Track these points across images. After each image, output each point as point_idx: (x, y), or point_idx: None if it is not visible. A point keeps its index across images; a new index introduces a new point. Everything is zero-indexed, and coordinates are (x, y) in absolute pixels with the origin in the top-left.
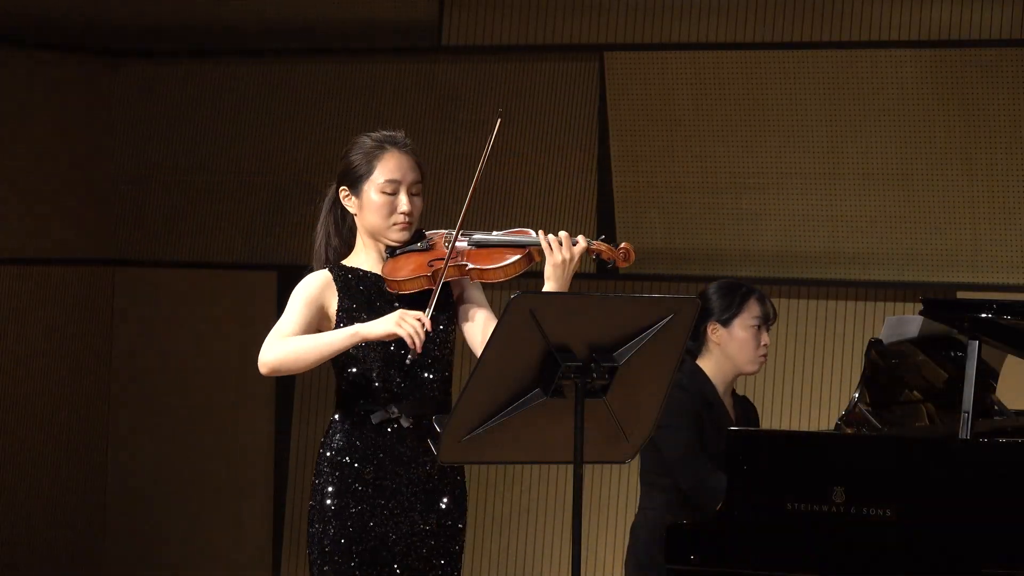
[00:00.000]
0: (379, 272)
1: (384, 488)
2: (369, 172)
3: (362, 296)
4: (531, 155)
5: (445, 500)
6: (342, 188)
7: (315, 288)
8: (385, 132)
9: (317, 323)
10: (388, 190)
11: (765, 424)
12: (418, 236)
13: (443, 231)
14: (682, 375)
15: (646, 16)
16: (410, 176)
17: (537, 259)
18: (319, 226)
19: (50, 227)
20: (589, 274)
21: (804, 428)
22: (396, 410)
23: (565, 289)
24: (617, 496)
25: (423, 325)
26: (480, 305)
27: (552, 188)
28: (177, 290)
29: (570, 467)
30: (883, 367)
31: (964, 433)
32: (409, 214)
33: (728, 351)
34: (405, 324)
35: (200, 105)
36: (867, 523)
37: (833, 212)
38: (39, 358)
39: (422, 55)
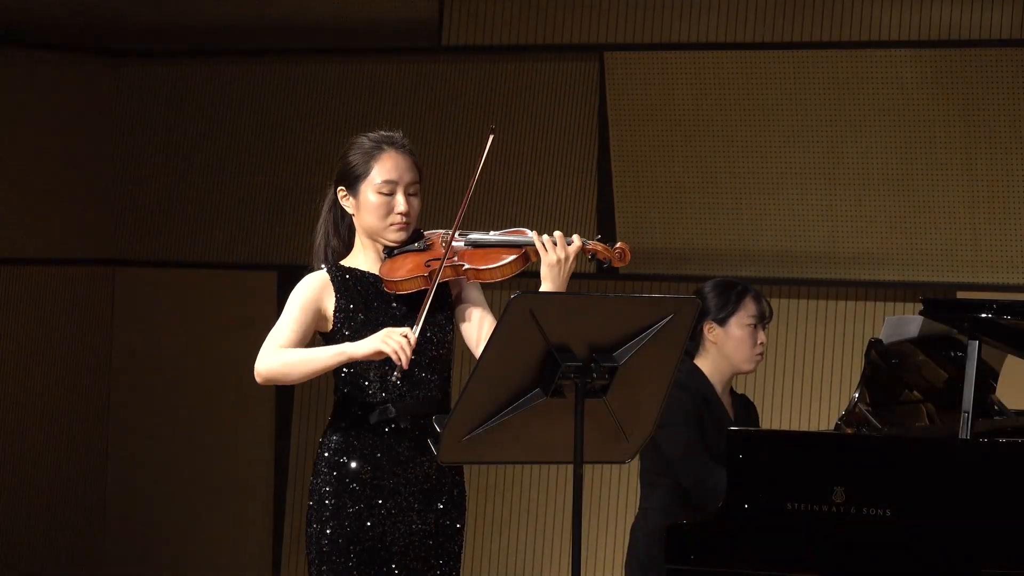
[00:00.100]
0: (377, 272)
1: (382, 488)
2: (366, 172)
3: (359, 296)
4: (531, 155)
5: (443, 500)
6: (340, 188)
7: (311, 290)
8: (383, 132)
9: (314, 325)
10: (385, 190)
11: (765, 424)
12: (416, 236)
13: (441, 231)
14: (681, 374)
15: (646, 16)
16: (407, 176)
17: (533, 259)
18: (319, 226)
19: (50, 227)
20: (588, 274)
21: (804, 428)
22: (393, 410)
23: (562, 289)
24: (617, 496)
25: (409, 341)
26: (478, 305)
27: (552, 188)
28: (177, 290)
29: (570, 467)
30: (883, 367)
31: (964, 433)
32: (406, 214)
33: (724, 350)
34: (391, 341)
35: (200, 105)
36: (867, 523)
37: (833, 212)
38: (39, 358)
39: (422, 55)
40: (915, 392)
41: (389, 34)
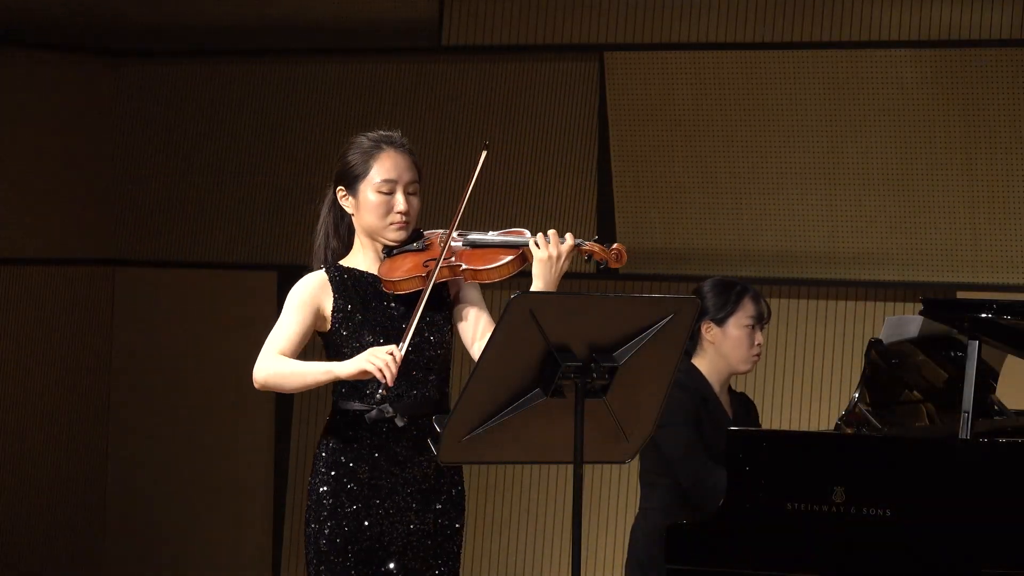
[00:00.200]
0: (376, 272)
1: (379, 488)
2: (366, 172)
3: (358, 296)
4: (531, 155)
5: (442, 500)
6: (339, 188)
7: (309, 290)
8: (382, 132)
9: (313, 325)
10: (384, 190)
11: (765, 424)
12: (416, 236)
13: (440, 231)
14: (680, 374)
15: (646, 16)
16: (407, 176)
17: (530, 259)
18: (318, 226)
19: (50, 227)
20: (588, 274)
21: (804, 428)
22: (391, 409)
23: (552, 288)
24: (617, 496)
25: (395, 358)
26: (475, 305)
27: (552, 188)
28: (177, 290)
29: (570, 467)
30: (883, 367)
31: (964, 433)
32: (406, 214)
33: (722, 350)
34: (376, 360)
35: (200, 105)
36: (867, 523)
37: (833, 212)
38: (39, 358)
39: (422, 55)
40: (915, 392)
41: (389, 34)
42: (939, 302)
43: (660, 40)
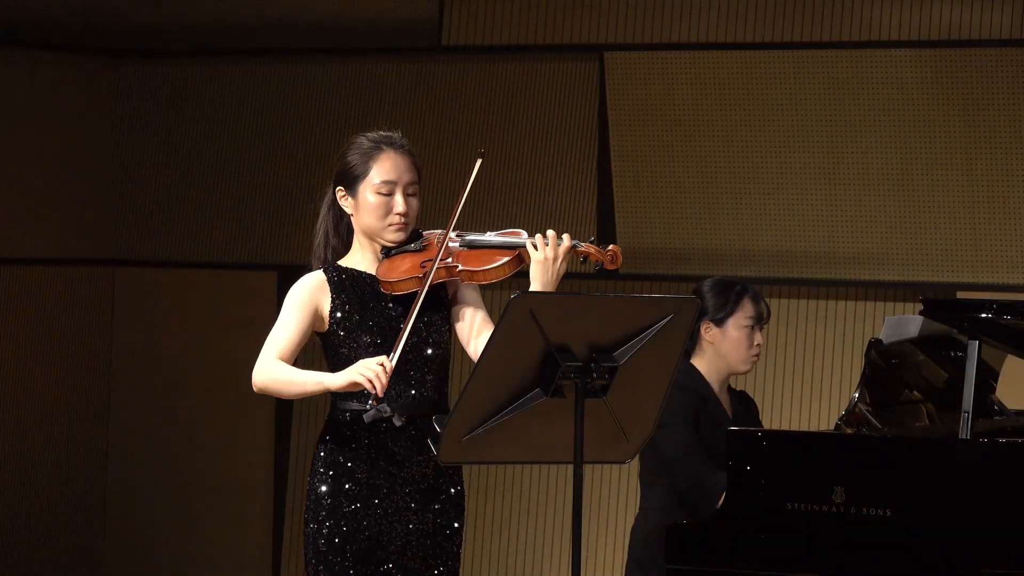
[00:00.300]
0: (374, 272)
1: (377, 487)
2: (365, 173)
3: (356, 297)
4: (531, 155)
5: (441, 500)
6: (338, 188)
7: (307, 291)
8: (382, 132)
9: (311, 326)
10: (384, 191)
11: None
12: (415, 236)
13: (439, 231)
14: (679, 374)
15: (646, 16)
16: (406, 177)
17: (528, 260)
18: (317, 226)
19: (50, 227)
20: (588, 274)
21: (804, 428)
22: (388, 409)
23: (550, 289)
24: (617, 496)
25: (385, 369)
26: (473, 305)
27: (552, 188)
28: (177, 290)
29: (570, 467)
30: (883, 367)
31: (964, 433)
32: (405, 215)
33: (721, 350)
34: (366, 371)
35: (200, 105)
36: (867, 523)
37: (833, 212)
38: (39, 358)
39: (422, 55)
40: (915, 392)
41: (389, 34)
42: (939, 302)
43: (660, 40)
